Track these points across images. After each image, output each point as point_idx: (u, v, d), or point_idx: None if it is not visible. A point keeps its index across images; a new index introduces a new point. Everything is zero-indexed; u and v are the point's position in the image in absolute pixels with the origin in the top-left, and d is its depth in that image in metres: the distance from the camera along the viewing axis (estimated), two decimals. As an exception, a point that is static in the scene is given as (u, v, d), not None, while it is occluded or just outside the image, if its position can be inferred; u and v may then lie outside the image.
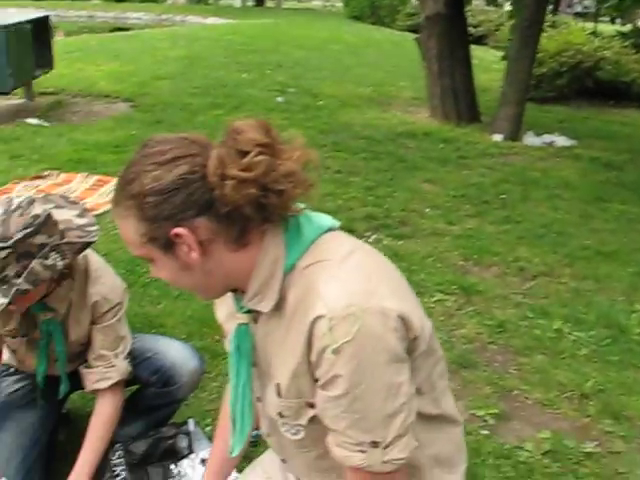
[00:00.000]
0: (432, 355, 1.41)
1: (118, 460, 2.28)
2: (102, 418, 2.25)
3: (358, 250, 1.35)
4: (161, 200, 1.23)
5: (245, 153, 1.21)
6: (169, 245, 1.27)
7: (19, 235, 1.86)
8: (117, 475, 2.25)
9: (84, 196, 4.91)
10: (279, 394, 1.38)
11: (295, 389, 1.35)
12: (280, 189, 1.23)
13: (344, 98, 9.10)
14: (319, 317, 1.23)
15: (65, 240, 1.99)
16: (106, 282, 2.22)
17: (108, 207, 4.55)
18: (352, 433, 1.28)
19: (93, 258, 2.23)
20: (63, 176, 5.46)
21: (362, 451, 1.28)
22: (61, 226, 2.01)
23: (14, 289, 1.88)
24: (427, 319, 1.38)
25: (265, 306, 1.33)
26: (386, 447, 1.27)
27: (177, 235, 1.25)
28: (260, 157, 1.21)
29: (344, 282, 1.26)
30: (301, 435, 1.43)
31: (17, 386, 2.42)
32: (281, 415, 1.42)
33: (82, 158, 5.88)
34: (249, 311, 1.37)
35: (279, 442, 1.57)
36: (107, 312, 2.22)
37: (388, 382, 1.25)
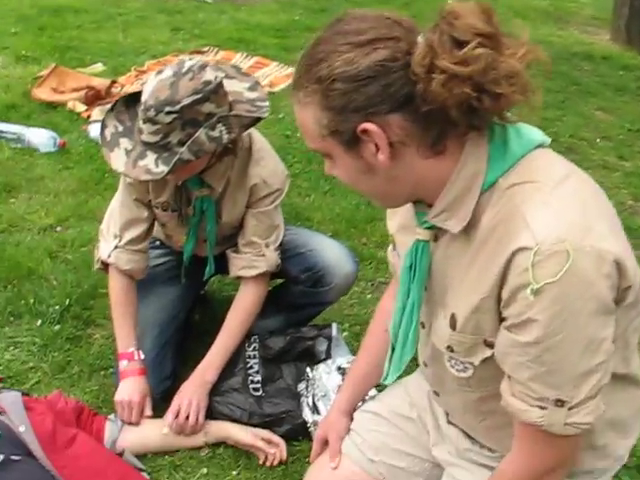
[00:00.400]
0: (635, 308, 1.18)
1: (253, 352, 2.20)
2: (243, 306, 2.16)
3: (574, 175, 1.15)
4: (352, 88, 1.05)
5: (462, 43, 1.01)
6: (353, 142, 1.10)
7: (187, 100, 1.74)
8: (250, 367, 2.17)
9: (241, 76, 4.80)
10: (453, 326, 1.23)
11: (474, 324, 1.20)
12: (498, 92, 1.02)
13: (519, 9, 8.45)
14: (523, 249, 1.05)
15: (234, 112, 1.85)
16: (268, 165, 2.07)
17: (266, 90, 4.43)
18: (535, 386, 1.12)
19: (258, 138, 2.09)
20: (222, 54, 5.37)
21: (542, 407, 1.13)
22: (231, 97, 1.87)
23: (176, 158, 1.76)
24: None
25: (454, 225, 1.16)
26: (572, 408, 1.12)
27: (365, 131, 1.07)
28: (480, 50, 1.00)
29: (557, 212, 1.07)
30: (468, 373, 1.28)
31: (162, 260, 2.36)
32: (450, 349, 1.27)
33: (243, 38, 5.76)
34: (431, 227, 1.20)
35: (438, 375, 1.42)
36: (265, 197, 2.08)
37: (590, 336, 1.08)
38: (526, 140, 1.14)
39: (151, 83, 1.79)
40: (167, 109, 1.74)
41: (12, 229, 3.00)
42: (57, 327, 2.44)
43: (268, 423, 2.08)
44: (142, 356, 2.10)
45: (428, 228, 1.21)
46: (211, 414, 2.07)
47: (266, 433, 2.03)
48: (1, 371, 2.26)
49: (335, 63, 1.05)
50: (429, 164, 1.11)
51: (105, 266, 2.16)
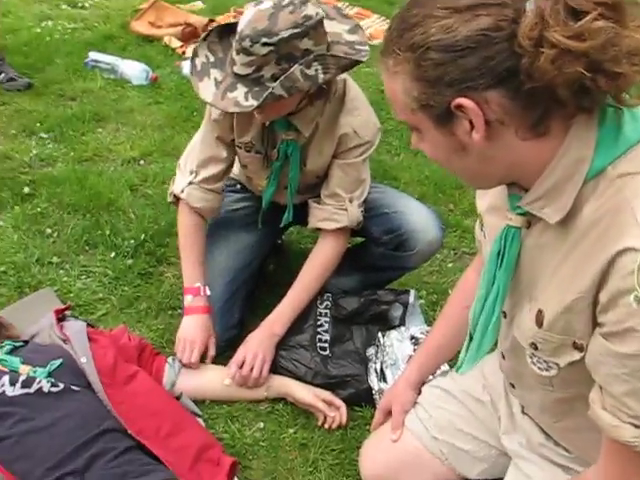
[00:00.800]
0: None
1: (324, 310, 2.11)
2: (320, 259, 2.06)
3: None
4: (448, 59, 0.93)
5: (580, 13, 0.87)
6: (446, 117, 0.98)
7: (286, 34, 1.65)
8: (320, 325, 2.08)
9: (341, 25, 4.65)
10: (540, 324, 1.12)
11: (563, 324, 1.08)
12: (617, 72, 0.89)
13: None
14: (630, 249, 0.92)
15: (331, 52, 1.74)
16: (361, 115, 1.96)
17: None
18: (632, 403, 0.99)
19: (353, 87, 1.97)
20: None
21: (637, 426, 1.00)
22: (329, 38, 1.76)
23: (267, 92, 1.68)
24: None
25: (551, 215, 1.04)
26: None
27: (460, 107, 0.96)
28: (601, 22, 0.86)
29: None
30: (552, 373, 1.17)
31: (240, 205, 2.29)
32: (534, 347, 1.17)
33: (346, -12, 5.59)
34: (525, 213, 1.09)
35: (516, 369, 1.31)
36: (354, 148, 1.96)
37: None
38: None
39: (249, 13, 1.70)
40: (263, 40, 1.65)
41: (97, 159, 3.00)
42: (130, 261, 2.42)
43: (332, 385, 2.00)
44: (208, 292, 2.05)
45: (521, 214, 1.10)
46: (275, 369, 2.01)
47: (328, 395, 1.95)
48: (71, 298, 2.26)
49: (431, 30, 0.93)
50: (528, 146, 0.99)
51: (177, 200, 2.10)
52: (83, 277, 2.36)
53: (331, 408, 1.93)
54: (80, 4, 4.68)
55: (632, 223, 0.93)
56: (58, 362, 1.71)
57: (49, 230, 2.53)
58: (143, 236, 2.51)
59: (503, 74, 0.92)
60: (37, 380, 1.64)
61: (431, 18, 0.93)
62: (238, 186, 2.30)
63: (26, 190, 2.71)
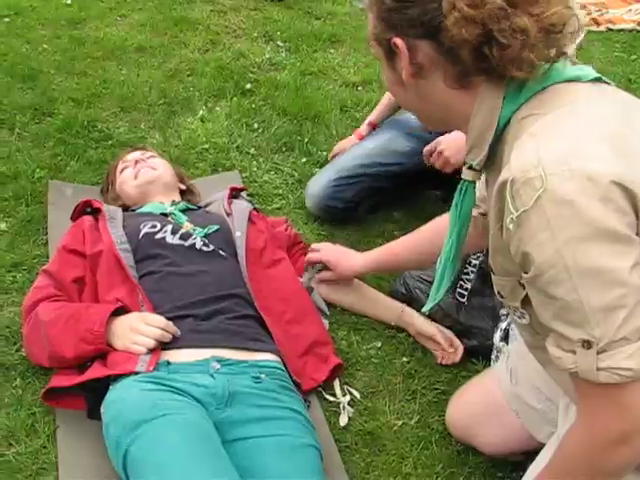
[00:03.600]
0: None
1: (475, 260, 2.10)
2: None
3: (581, 101, 1.08)
4: (396, 7, 1.11)
5: None
6: (391, 53, 1.16)
7: None
8: (466, 273, 2.10)
9: (612, 5, 4.39)
10: (492, 270, 1.22)
11: (500, 266, 1.18)
12: (503, 43, 1.03)
13: None
14: (504, 182, 1.04)
15: None
16: None
17: (631, 26, 4.06)
18: (559, 327, 1.04)
19: None
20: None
21: (573, 352, 1.03)
22: None
23: None
24: None
25: (478, 162, 1.16)
26: (602, 351, 1.00)
27: (395, 45, 1.13)
28: None
29: (539, 139, 1.03)
30: (526, 320, 1.21)
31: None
32: (501, 295, 1.23)
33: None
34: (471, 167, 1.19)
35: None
36: None
37: (593, 266, 0.98)
38: (549, 76, 1.10)
39: None
40: None
41: (320, 75, 3.17)
42: (316, 170, 2.57)
43: (458, 331, 2.03)
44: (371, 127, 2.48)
45: (470, 168, 1.18)
46: (410, 302, 2.08)
47: (450, 333, 1.99)
48: (254, 187, 2.47)
49: None
50: (456, 94, 1.14)
51: None
52: (272, 172, 2.56)
53: (449, 346, 1.97)
54: None
55: (513, 156, 1.04)
56: (215, 227, 1.92)
57: (256, 125, 2.76)
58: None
59: (432, 29, 1.08)
60: (193, 236, 1.86)
61: None
62: None
63: (248, 86, 2.96)
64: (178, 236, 1.85)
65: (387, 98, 2.49)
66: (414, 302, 2.08)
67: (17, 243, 2.13)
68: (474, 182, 1.21)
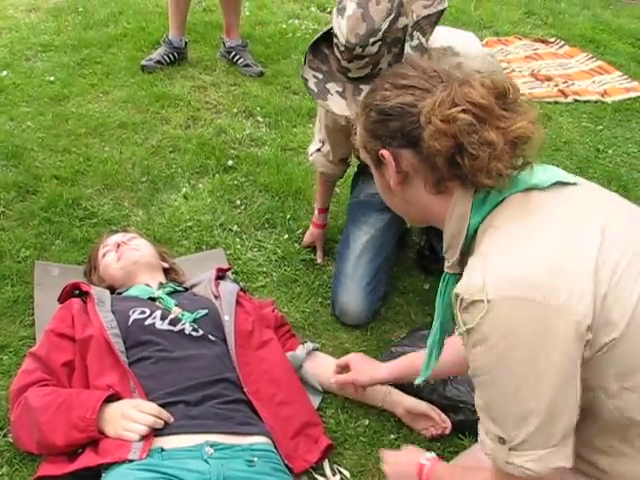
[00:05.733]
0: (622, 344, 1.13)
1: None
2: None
3: (531, 217, 1.19)
4: (380, 119, 1.27)
5: (455, 105, 1.18)
6: (378, 162, 1.31)
7: (385, 24, 1.80)
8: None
9: (577, 77, 4.57)
10: None
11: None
12: (473, 154, 1.17)
13: None
14: (455, 295, 1.18)
15: (421, 15, 1.89)
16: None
17: (595, 97, 4.19)
18: (483, 418, 1.21)
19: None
20: (566, 49, 5.14)
21: (492, 440, 1.19)
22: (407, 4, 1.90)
23: None
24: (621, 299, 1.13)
25: (451, 264, 1.31)
26: (512, 449, 1.16)
27: (382, 156, 1.28)
28: (463, 115, 1.17)
29: (489, 261, 1.15)
30: None
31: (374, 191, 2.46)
32: None
33: (595, 39, 5.44)
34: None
35: None
36: None
37: (520, 381, 1.13)
38: (511, 185, 1.21)
39: (341, 23, 1.83)
40: (372, 40, 1.80)
41: (300, 150, 3.22)
42: (299, 246, 2.63)
43: (444, 405, 2.05)
44: (317, 213, 2.55)
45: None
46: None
47: (438, 411, 2.00)
48: (238, 264, 2.51)
49: (377, 96, 1.28)
50: (434, 199, 1.28)
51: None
52: (255, 249, 2.60)
53: (442, 421, 1.98)
54: (329, 9, 5.00)
55: (465, 273, 1.18)
56: (203, 312, 1.95)
57: (239, 202, 2.81)
58: (318, 228, 2.70)
59: (413, 139, 1.23)
60: (182, 322, 1.88)
61: (380, 89, 1.28)
62: None
63: (230, 163, 3.01)
64: (167, 322, 1.87)
65: (319, 181, 2.57)
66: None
67: (3, 324, 2.14)
68: (455, 275, 1.31)
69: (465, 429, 2.04)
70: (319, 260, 2.56)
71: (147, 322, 1.86)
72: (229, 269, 2.30)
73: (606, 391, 1.17)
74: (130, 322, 1.84)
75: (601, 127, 3.89)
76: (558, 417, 1.13)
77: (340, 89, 1.93)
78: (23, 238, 2.46)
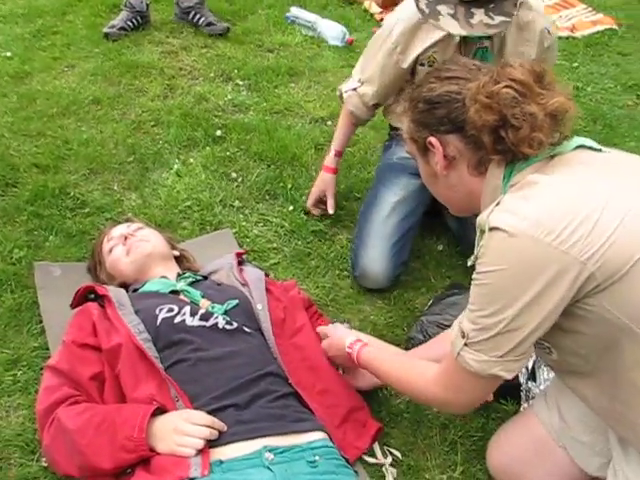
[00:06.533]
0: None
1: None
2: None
3: (549, 172, 1.30)
4: (427, 109, 1.39)
5: (498, 82, 1.29)
6: (425, 150, 1.43)
7: None
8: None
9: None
10: None
11: None
12: (516, 125, 1.27)
13: None
14: (478, 222, 1.31)
15: None
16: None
17: (566, 33, 4.12)
18: (466, 311, 1.34)
19: None
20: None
21: (457, 331, 1.35)
22: None
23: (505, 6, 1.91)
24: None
25: None
26: (467, 345, 1.32)
27: (431, 143, 1.39)
28: (506, 89, 1.27)
29: (509, 200, 1.28)
30: (554, 356, 1.42)
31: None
32: None
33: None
34: None
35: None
36: (551, 48, 2.22)
37: (506, 298, 1.25)
38: (544, 151, 1.31)
39: None
40: None
41: (287, 112, 3.10)
42: (306, 217, 2.51)
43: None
44: (333, 155, 2.46)
45: None
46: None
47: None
48: (247, 243, 2.38)
49: (423, 89, 1.41)
50: (475, 181, 1.39)
51: (341, 97, 2.46)
52: (260, 224, 2.48)
53: None
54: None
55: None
56: (234, 302, 1.82)
57: (234, 174, 2.66)
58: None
59: (459, 124, 1.35)
60: (214, 316, 1.76)
61: (426, 83, 1.42)
62: None
63: (218, 133, 2.85)
64: (198, 317, 1.74)
65: (344, 121, 2.49)
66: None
67: (9, 336, 1.96)
68: None
69: (506, 394, 1.99)
70: (330, 211, 2.46)
71: (177, 320, 1.72)
72: (245, 252, 2.17)
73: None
74: (159, 322, 1.71)
75: (576, 64, 3.84)
76: (514, 338, 1.26)
77: (452, 11, 1.92)
78: (13, 237, 2.27)
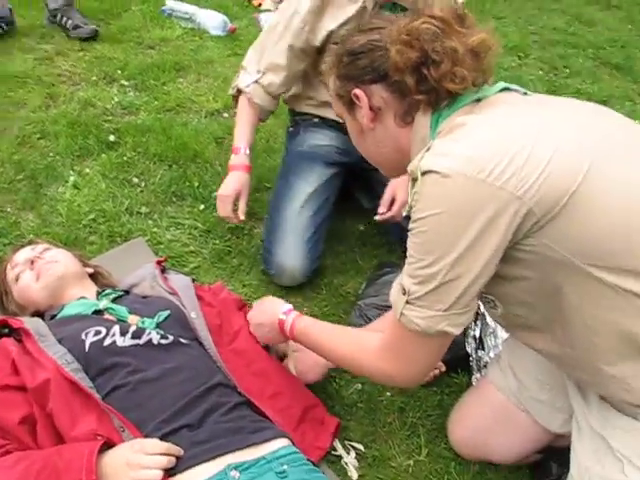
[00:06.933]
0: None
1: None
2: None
3: (477, 113, 1.26)
4: (351, 60, 1.35)
5: (416, 20, 1.27)
6: (351, 105, 1.38)
7: None
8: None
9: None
10: None
11: None
12: (437, 60, 1.24)
13: None
14: (411, 170, 1.24)
15: None
16: None
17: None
18: (404, 268, 1.27)
19: None
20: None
21: (397, 290, 1.29)
22: None
23: None
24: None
25: None
26: (409, 302, 1.25)
27: (356, 96, 1.35)
28: (426, 25, 1.25)
29: (438, 144, 1.23)
30: (500, 310, 1.40)
31: (323, 142, 2.33)
32: None
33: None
34: None
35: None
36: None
37: (443, 245, 1.19)
38: (466, 96, 1.28)
39: None
40: None
41: (180, 109, 2.95)
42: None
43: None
44: (248, 152, 2.20)
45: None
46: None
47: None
48: (162, 250, 2.23)
49: (347, 43, 1.38)
50: (402, 133, 1.34)
51: (237, 95, 2.25)
52: (172, 229, 2.33)
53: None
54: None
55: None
56: (166, 313, 1.68)
57: (136, 179, 2.50)
58: (232, 190, 2.46)
59: (382, 73, 1.31)
60: (147, 331, 1.61)
61: (350, 37, 1.38)
62: (316, 120, 2.34)
63: (111, 138, 2.67)
64: (129, 335, 1.59)
65: (249, 116, 2.24)
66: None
67: None
68: None
69: (457, 366, 1.96)
70: (242, 217, 2.17)
71: (107, 342, 1.57)
72: (165, 259, 2.03)
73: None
74: (87, 348, 1.55)
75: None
76: (456, 287, 1.20)
77: None
78: None
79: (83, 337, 1.57)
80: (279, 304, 1.69)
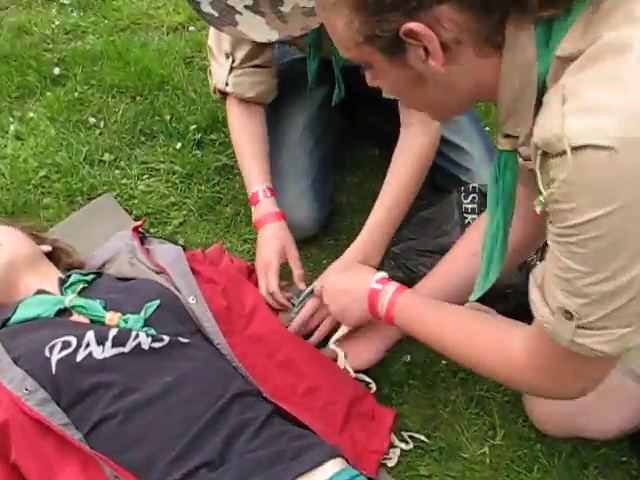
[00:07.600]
0: None
1: (471, 205, 1.65)
2: (413, 152, 1.56)
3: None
4: None
5: None
6: (396, 47, 0.89)
7: None
8: (468, 224, 1.62)
9: None
10: None
11: None
12: None
13: None
14: (536, 145, 0.88)
15: None
16: None
17: None
18: (552, 285, 0.94)
19: None
20: None
21: (553, 313, 0.95)
22: None
23: None
24: None
25: (522, 132, 0.96)
26: (581, 327, 0.93)
27: (410, 33, 0.85)
28: None
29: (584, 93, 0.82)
30: None
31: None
32: None
33: None
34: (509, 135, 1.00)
35: None
36: None
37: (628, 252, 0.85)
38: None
39: None
40: None
41: (136, 27, 2.44)
42: (200, 152, 1.95)
43: (489, 298, 1.55)
44: (269, 194, 1.61)
45: (507, 136, 1.00)
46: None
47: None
48: (136, 206, 1.80)
49: None
50: (486, 65, 0.91)
51: (224, 94, 1.72)
52: (146, 177, 1.89)
53: None
54: None
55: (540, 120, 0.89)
56: (155, 304, 1.26)
57: (93, 119, 2.03)
58: (212, 120, 2.01)
59: None
60: (133, 334, 1.19)
61: None
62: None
63: (56, 71, 2.18)
64: (110, 343, 1.18)
65: (245, 135, 1.72)
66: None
67: None
68: (513, 151, 1.01)
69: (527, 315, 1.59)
70: (301, 285, 1.54)
71: (80, 357, 1.16)
72: (144, 221, 1.58)
73: None
74: (54, 368, 1.14)
75: None
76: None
77: (250, 2, 1.28)
78: None
79: (47, 353, 1.15)
80: (367, 269, 1.37)
